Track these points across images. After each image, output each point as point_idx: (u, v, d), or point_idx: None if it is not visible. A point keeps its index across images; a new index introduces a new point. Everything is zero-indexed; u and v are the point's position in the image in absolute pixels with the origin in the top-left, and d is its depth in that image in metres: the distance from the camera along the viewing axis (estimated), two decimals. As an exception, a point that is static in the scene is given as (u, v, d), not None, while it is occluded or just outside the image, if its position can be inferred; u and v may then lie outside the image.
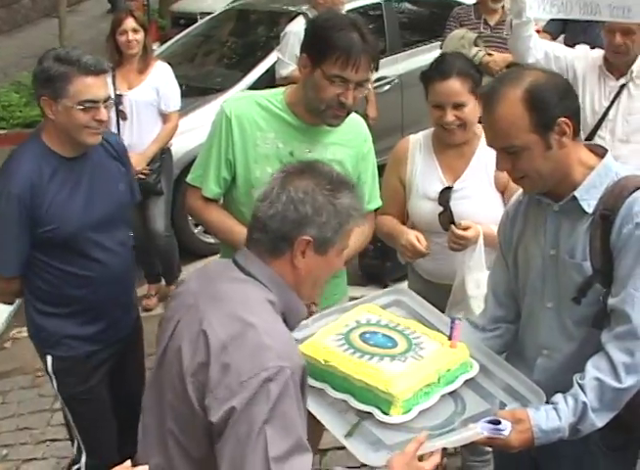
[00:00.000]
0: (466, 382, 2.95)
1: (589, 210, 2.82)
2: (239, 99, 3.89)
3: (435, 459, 2.63)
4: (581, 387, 2.76)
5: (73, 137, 3.70)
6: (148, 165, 6.75)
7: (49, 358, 3.98)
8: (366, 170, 3.89)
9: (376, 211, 4.03)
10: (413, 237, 3.96)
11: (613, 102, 5.21)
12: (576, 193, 2.83)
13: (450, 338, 3.01)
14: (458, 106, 3.92)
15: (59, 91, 3.60)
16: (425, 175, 4.11)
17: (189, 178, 3.87)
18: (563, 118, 2.75)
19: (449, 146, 4.08)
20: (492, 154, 3.89)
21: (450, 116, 3.92)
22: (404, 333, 3.07)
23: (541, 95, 2.74)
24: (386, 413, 2.77)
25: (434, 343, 3.01)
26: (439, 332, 3.10)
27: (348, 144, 3.79)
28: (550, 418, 2.74)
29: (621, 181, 2.82)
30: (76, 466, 4.19)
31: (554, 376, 2.98)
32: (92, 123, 3.65)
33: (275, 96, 3.74)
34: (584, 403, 2.73)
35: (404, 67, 9.03)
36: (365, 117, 7.70)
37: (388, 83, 8.94)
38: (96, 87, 3.65)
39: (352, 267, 7.25)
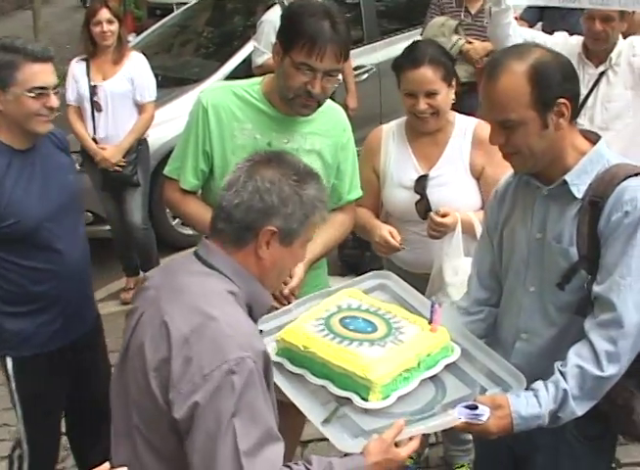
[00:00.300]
0: (447, 366, 2.92)
1: (579, 195, 2.80)
2: (215, 89, 3.81)
3: (414, 445, 2.61)
4: (562, 374, 2.73)
5: (24, 126, 3.65)
6: (124, 157, 6.72)
7: (9, 360, 3.89)
8: (346, 160, 3.84)
9: (356, 200, 3.99)
10: (386, 233, 3.95)
11: (592, 89, 5.21)
12: (567, 177, 2.81)
13: (430, 322, 2.97)
14: (430, 94, 3.89)
15: (7, 80, 3.56)
16: (399, 164, 4.08)
17: (166, 170, 3.82)
18: (563, 100, 2.73)
19: (423, 134, 4.06)
20: (467, 141, 3.97)
21: (423, 104, 3.89)
22: (385, 317, 3.03)
23: (545, 73, 2.72)
24: (364, 399, 2.73)
25: (414, 327, 2.98)
26: (422, 316, 3.06)
27: (327, 134, 3.73)
28: (530, 405, 2.71)
29: (612, 169, 2.80)
30: (18, 452, 4.12)
31: (532, 361, 2.96)
32: (43, 111, 3.62)
33: (252, 86, 3.69)
34: (565, 391, 2.70)
35: (382, 55, 8.96)
36: (345, 107, 7.68)
37: (365, 72, 8.92)
38: (44, 74, 3.61)
39: (332, 258, 7.21)
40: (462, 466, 4.67)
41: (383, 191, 4.14)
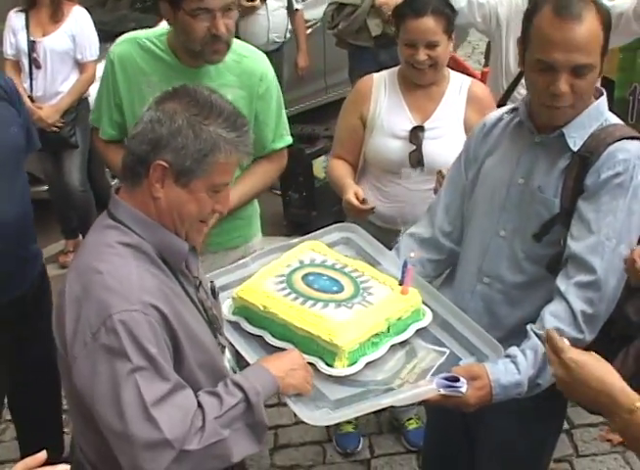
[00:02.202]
0: (417, 332, 2.76)
1: (574, 147, 2.69)
2: (123, 41, 3.70)
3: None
4: (540, 337, 2.60)
5: None
6: (62, 117, 6.49)
7: None
8: (265, 110, 3.72)
9: (288, 147, 3.92)
10: (351, 196, 3.82)
11: None
12: (565, 129, 2.70)
13: (402, 283, 2.80)
14: (431, 45, 3.82)
15: None
16: (391, 114, 4.00)
17: (90, 118, 3.91)
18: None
19: (417, 86, 3.99)
20: (462, 97, 3.97)
21: (422, 54, 3.82)
22: (351, 276, 2.86)
23: (609, 20, 2.62)
24: (329, 365, 2.57)
25: (383, 288, 2.80)
26: (390, 276, 2.89)
27: (239, 85, 3.62)
28: (509, 372, 2.59)
29: (609, 128, 2.71)
30: None
31: (492, 307, 2.89)
32: None
33: (159, 37, 3.61)
34: (545, 355, 2.55)
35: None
36: (295, 65, 7.55)
37: (309, 27, 8.56)
38: None
39: (277, 217, 7.15)
40: (410, 419, 4.72)
41: (369, 140, 4.05)
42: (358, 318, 2.65)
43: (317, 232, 3.27)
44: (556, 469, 4.31)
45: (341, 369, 2.56)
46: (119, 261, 2.29)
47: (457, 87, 4.00)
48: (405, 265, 2.81)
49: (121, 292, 2.21)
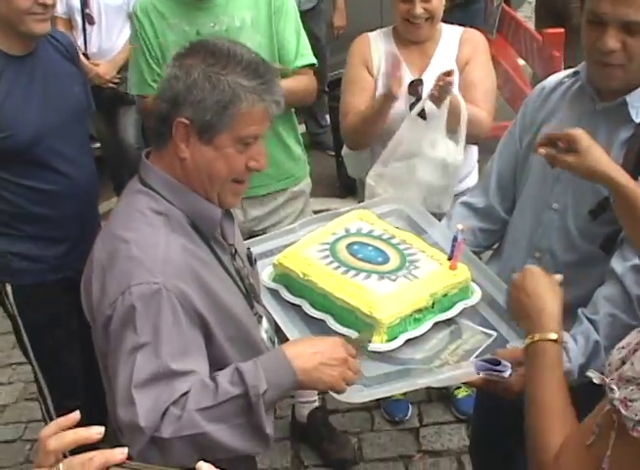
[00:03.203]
0: (464, 311, 2.61)
1: (637, 118, 2.50)
2: None
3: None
4: (593, 323, 2.45)
5: (17, 27, 3.35)
6: (118, 73, 6.42)
7: (8, 287, 3.68)
8: (284, 25, 3.77)
9: (310, 66, 3.91)
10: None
11: None
12: (628, 97, 2.50)
13: (450, 257, 2.65)
14: None
15: None
16: (389, 71, 3.83)
17: (129, 90, 4.02)
18: None
19: (411, 43, 3.91)
20: (454, 45, 3.90)
21: (419, 8, 3.74)
22: (398, 248, 2.72)
23: None
24: None
25: (431, 262, 2.66)
26: (440, 250, 2.75)
27: (254, 6, 3.71)
28: None
29: None
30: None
31: None
32: (36, 8, 3.33)
33: None
34: (597, 342, 2.43)
35: (385, -35, 8.47)
36: (331, 25, 7.40)
37: None
38: None
39: (330, 179, 7.06)
40: (459, 388, 4.63)
41: None
42: (401, 292, 2.52)
43: (367, 202, 3.17)
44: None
45: (378, 344, 2.44)
46: (148, 231, 2.20)
47: (450, 38, 3.92)
48: (455, 239, 2.67)
49: (145, 263, 2.13)
